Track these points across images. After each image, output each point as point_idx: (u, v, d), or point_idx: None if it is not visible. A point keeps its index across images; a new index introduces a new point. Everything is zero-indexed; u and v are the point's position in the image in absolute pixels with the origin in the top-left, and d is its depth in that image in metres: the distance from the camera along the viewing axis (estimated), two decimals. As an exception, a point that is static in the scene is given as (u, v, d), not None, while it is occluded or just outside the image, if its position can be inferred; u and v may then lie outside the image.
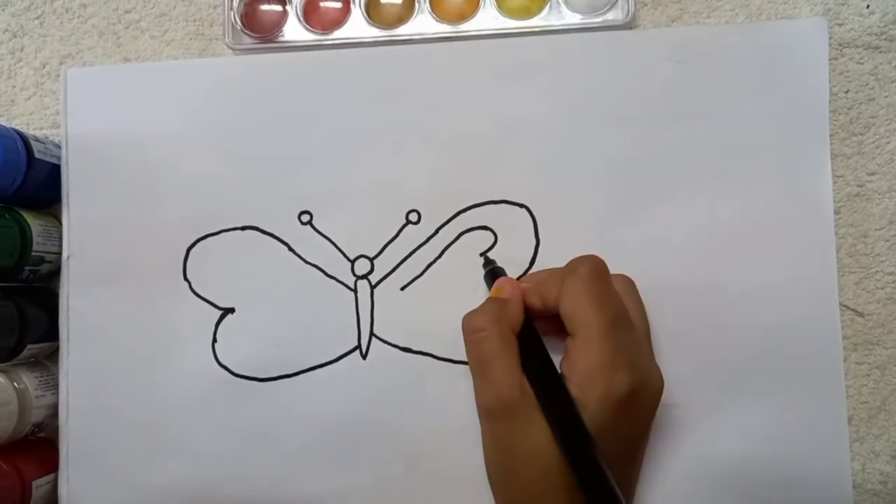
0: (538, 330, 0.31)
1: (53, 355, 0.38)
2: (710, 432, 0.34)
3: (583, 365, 0.28)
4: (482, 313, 0.31)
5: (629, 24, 0.36)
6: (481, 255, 0.36)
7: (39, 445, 0.37)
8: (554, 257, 0.36)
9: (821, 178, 0.35)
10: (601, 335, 0.28)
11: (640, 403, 0.29)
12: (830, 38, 0.36)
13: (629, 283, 0.33)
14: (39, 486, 0.36)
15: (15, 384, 0.35)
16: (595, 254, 0.31)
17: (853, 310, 0.35)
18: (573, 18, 0.37)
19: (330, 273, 0.37)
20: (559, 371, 0.29)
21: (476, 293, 0.35)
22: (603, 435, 0.27)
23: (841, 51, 0.36)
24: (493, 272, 0.34)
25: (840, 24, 0.36)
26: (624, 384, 0.27)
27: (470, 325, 0.31)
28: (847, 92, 0.36)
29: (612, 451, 0.27)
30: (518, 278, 0.35)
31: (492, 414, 0.29)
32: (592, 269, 0.30)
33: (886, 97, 0.36)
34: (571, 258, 0.31)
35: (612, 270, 0.35)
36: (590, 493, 0.26)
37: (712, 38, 0.36)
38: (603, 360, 0.28)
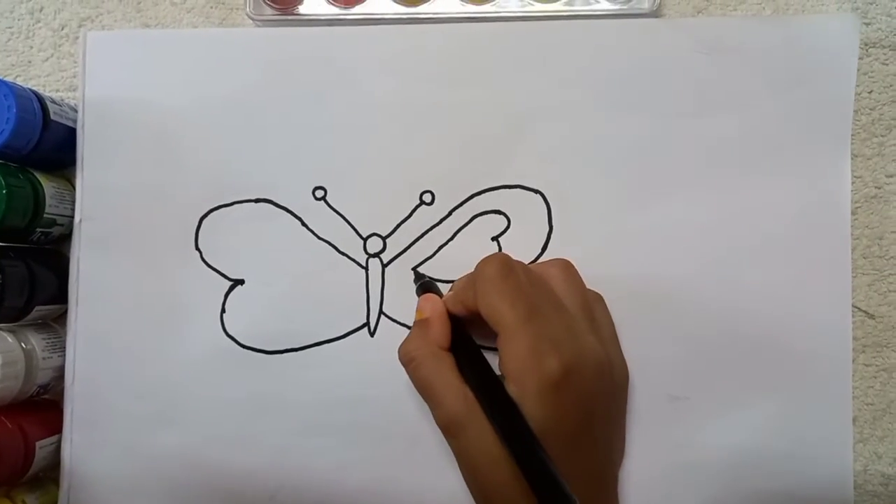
0: (476, 334, 0.31)
1: (61, 318, 0.38)
2: (715, 426, 0.35)
3: (511, 360, 0.28)
4: (409, 341, 0.31)
5: (655, 13, 0.36)
6: (493, 238, 0.36)
7: (44, 407, 0.37)
8: (566, 245, 0.36)
9: (840, 178, 0.35)
10: (519, 327, 0.28)
11: (581, 382, 0.28)
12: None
13: (566, 266, 0.33)
14: (43, 446, 0.36)
15: (23, 344, 0.35)
16: (502, 253, 0.32)
17: (864, 311, 0.35)
18: (599, 5, 0.36)
19: (342, 250, 0.37)
20: (498, 373, 0.29)
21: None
22: (549, 423, 0.27)
23: (867, 50, 0.36)
24: (422, 286, 0.34)
25: (867, 24, 0.36)
26: (554, 368, 0.27)
27: (401, 355, 0.31)
28: (871, 92, 0.36)
29: (566, 436, 0.27)
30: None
31: (447, 432, 0.29)
32: (498, 267, 0.30)
33: (910, 99, 0.35)
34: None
35: (624, 262, 0.35)
36: (538, 494, 0.25)
37: (739, 30, 0.35)
38: (527, 350, 0.28)
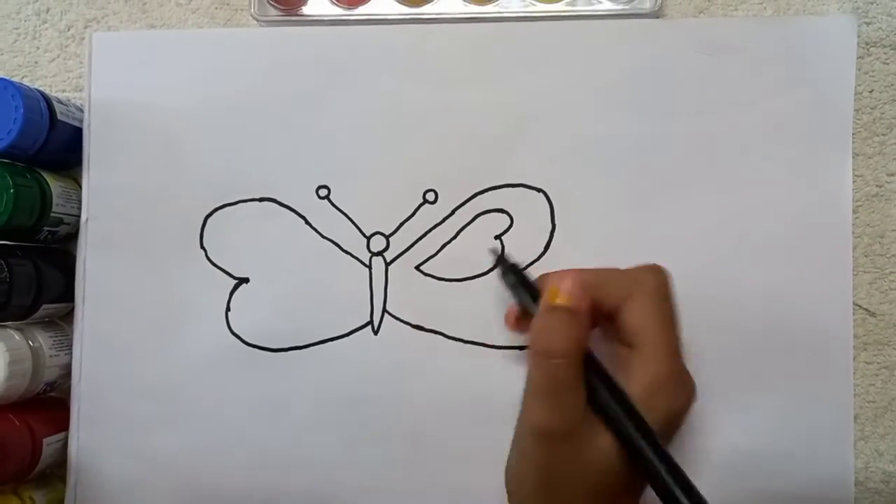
0: None
1: (68, 316, 0.38)
2: (717, 424, 0.35)
3: (647, 381, 0.27)
4: (558, 333, 0.27)
5: (657, 13, 0.36)
6: (496, 237, 0.36)
7: (51, 404, 0.38)
8: (569, 244, 0.36)
9: (841, 177, 0.35)
10: (669, 353, 0.27)
11: (683, 420, 0.28)
12: (857, 37, 0.36)
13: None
14: (50, 443, 0.36)
15: (30, 342, 0.36)
16: (657, 263, 0.30)
17: (865, 309, 0.35)
18: (601, 5, 0.36)
19: (345, 248, 0.37)
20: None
21: (490, 275, 0.36)
22: None
23: (867, 50, 0.36)
24: (512, 267, 0.32)
25: (868, 23, 0.36)
26: (686, 400, 0.27)
27: (545, 346, 0.27)
28: (871, 91, 0.36)
29: None
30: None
31: (549, 437, 0.27)
32: (664, 283, 0.29)
33: (911, 98, 0.36)
34: (638, 265, 0.30)
35: (626, 260, 0.35)
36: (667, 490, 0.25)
37: (740, 30, 0.36)
38: (669, 377, 0.27)
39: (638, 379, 0.27)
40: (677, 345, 0.28)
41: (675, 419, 0.27)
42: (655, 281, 0.29)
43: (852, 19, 0.35)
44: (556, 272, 0.31)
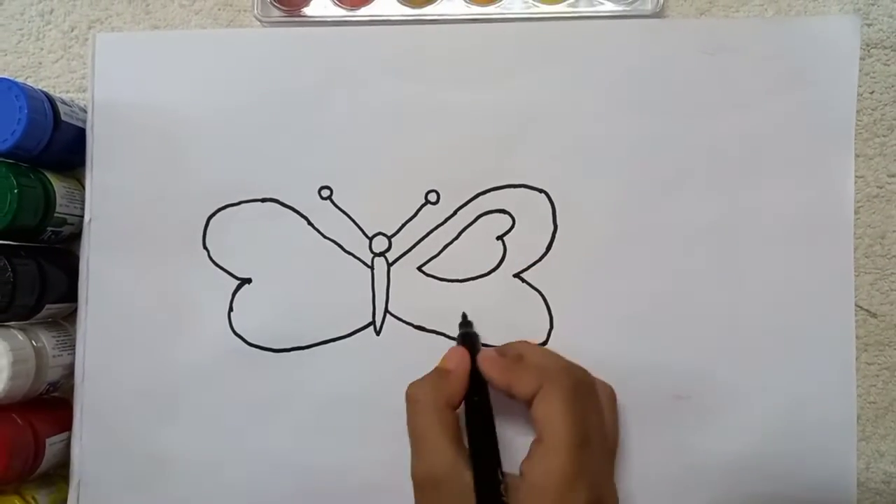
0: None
1: (71, 316, 0.39)
2: (718, 425, 0.35)
3: (542, 472, 0.28)
4: (422, 384, 0.31)
5: (658, 15, 0.36)
6: (498, 238, 0.37)
7: (54, 404, 0.38)
8: (570, 244, 0.36)
9: (843, 178, 0.35)
10: (569, 450, 0.28)
11: None
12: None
13: (611, 397, 0.33)
14: (53, 443, 0.36)
15: (33, 342, 0.36)
16: (576, 363, 0.31)
17: (866, 310, 0.35)
18: (603, 6, 0.37)
19: (348, 249, 0.37)
20: (518, 468, 0.29)
21: (491, 276, 0.36)
22: None
23: (868, 51, 0.36)
24: (463, 337, 0.34)
25: (869, 25, 0.36)
26: (576, 500, 0.27)
27: (409, 393, 0.31)
28: (872, 93, 0.36)
29: None
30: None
31: (419, 485, 0.29)
32: (576, 383, 0.30)
33: (912, 100, 0.36)
34: (553, 357, 0.32)
35: (628, 259, 0.35)
36: None
37: (742, 31, 0.36)
38: (564, 475, 0.27)
39: (535, 467, 0.28)
40: (584, 447, 0.28)
41: None
42: (573, 380, 0.30)
43: (855, 20, 0.35)
44: (488, 350, 0.33)
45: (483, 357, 0.32)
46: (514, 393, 0.30)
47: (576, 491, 0.27)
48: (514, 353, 0.32)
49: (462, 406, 0.31)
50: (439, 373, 0.32)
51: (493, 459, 0.28)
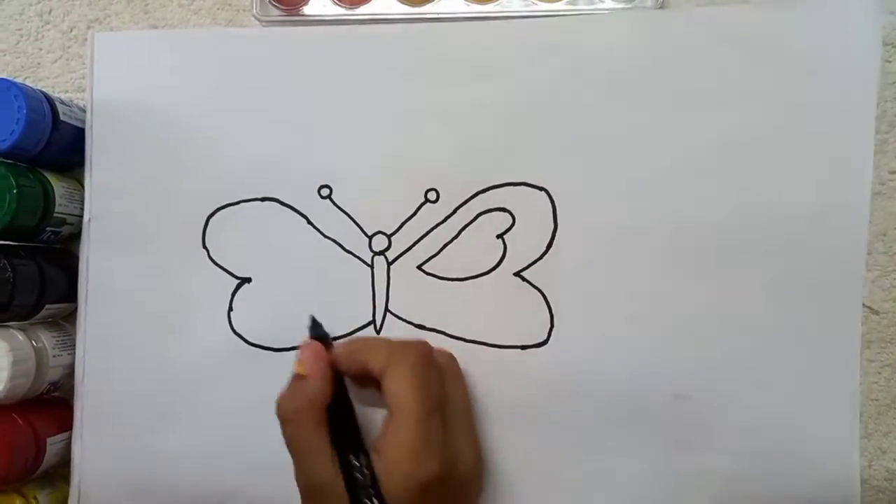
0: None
1: (71, 316, 0.39)
2: (719, 423, 0.35)
3: (393, 446, 0.28)
4: (286, 398, 0.30)
5: (661, 4, 0.36)
6: (498, 236, 0.36)
7: (54, 404, 0.38)
8: (571, 242, 0.36)
9: (861, 172, 0.34)
10: (416, 422, 0.28)
11: (449, 486, 0.29)
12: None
13: (452, 360, 0.34)
14: (53, 443, 0.36)
15: (33, 342, 0.36)
16: (426, 343, 0.32)
17: (868, 307, 0.35)
18: (603, 3, 0.36)
19: (347, 248, 0.37)
20: (368, 444, 0.29)
21: (492, 274, 0.36)
22: None
23: (870, 47, 0.36)
24: (314, 338, 0.33)
25: (870, 21, 0.36)
26: (430, 471, 0.28)
27: (277, 412, 0.30)
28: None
29: None
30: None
31: (303, 494, 0.30)
32: (420, 357, 0.30)
33: (914, 96, 0.35)
34: (394, 340, 0.32)
35: (630, 256, 0.35)
36: None
37: (748, 20, 0.34)
38: (413, 446, 0.28)
39: (388, 443, 0.29)
40: (431, 417, 0.29)
41: (422, 488, 0.28)
42: (416, 354, 0.30)
43: (878, 2, 0.33)
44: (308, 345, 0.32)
45: (338, 354, 0.32)
46: (369, 370, 0.30)
47: (426, 461, 0.28)
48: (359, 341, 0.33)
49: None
50: (299, 380, 0.31)
51: (355, 458, 0.29)
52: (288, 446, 0.30)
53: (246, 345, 0.37)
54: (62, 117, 0.36)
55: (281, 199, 0.37)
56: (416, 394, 0.29)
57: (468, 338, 0.36)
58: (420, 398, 0.29)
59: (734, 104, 0.35)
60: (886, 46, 0.35)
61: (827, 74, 0.34)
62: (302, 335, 0.36)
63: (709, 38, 0.35)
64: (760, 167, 0.35)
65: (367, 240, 0.37)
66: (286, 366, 0.36)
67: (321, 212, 0.37)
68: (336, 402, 0.31)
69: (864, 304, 0.35)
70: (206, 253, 0.38)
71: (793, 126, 0.34)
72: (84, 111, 0.38)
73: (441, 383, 0.31)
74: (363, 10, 0.38)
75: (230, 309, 0.37)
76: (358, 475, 0.28)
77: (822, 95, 0.34)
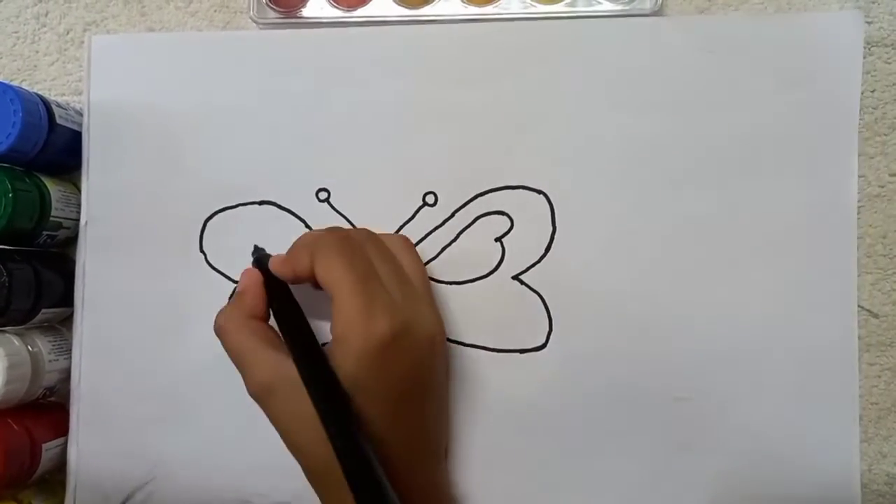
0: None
1: (67, 321, 0.38)
2: (719, 426, 0.34)
3: (340, 321, 0.28)
4: (221, 312, 0.32)
5: (657, 13, 0.36)
6: (496, 239, 0.36)
7: (51, 409, 0.38)
8: (570, 246, 0.36)
9: (846, 177, 0.35)
10: (353, 289, 0.28)
11: (410, 348, 0.29)
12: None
13: (407, 241, 0.34)
14: (49, 448, 0.36)
15: (29, 347, 0.35)
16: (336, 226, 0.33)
17: (868, 310, 0.35)
18: (601, 6, 0.36)
19: (345, 251, 0.37)
20: (325, 339, 0.30)
21: (490, 277, 0.36)
22: (370, 385, 0.28)
23: (869, 49, 0.36)
24: (254, 261, 0.34)
25: (869, 23, 0.36)
26: (382, 329, 0.28)
27: (214, 326, 0.32)
28: (874, 91, 0.36)
29: (388, 399, 0.28)
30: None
31: (257, 398, 0.30)
32: (336, 238, 0.30)
33: (913, 98, 0.35)
34: (321, 230, 0.32)
35: (628, 262, 0.35)
36: (348, 474, 0.26)
37: (743, 28, 0.35)
38: (357, 311, 0.28)
39: (335, 322, 0.29)
40: (366, 282, 0.29)
41: (376, 350, 0.28)
42: (333, 237, 0.30)
43: (858, 15, 0.35)
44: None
45: (271, 262, 0.32)
46: (299, 274, 0.30)
47: (372, 319, 0.28)
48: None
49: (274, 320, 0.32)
50: (237, 296, 0.32)
51: (309, 346, 0.29)
52: (231, 358, 0.31)
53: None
54: (58, 120, 0.36)
55: (279, 202, 0.37)
56: (344, 267, 0.29)
57: (467, 342, 0.36)
58: (348, 269, 0.29)
59: (727, 109, 0.35)
60: (887, 48, 0.36)
61: (814, 81, 0.35)
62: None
63: (703, 45, 0.35)
64: (754, 170, 0.35)
65: (365, 243, 0.37)
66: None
67: (319, 215, 0.37)
68: (285, 310, 0.31)
69: (863, 308, 0.35)
70: (203, 257, 0.37)
71: (784, 131, 0.35)
72: (80, 114, 0.38)
73: (365, 255, 0.31)
74: (360, 13, 0.38)
75: (227, 313, 0.37)
76: (311, 361, 0.28)
77: (809, 101, 0.35)
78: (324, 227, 0.37)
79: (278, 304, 0.31)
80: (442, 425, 0.34)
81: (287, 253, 0.32)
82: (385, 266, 0.31)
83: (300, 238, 0.32)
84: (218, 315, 0.32)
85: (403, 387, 0.29)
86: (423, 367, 0.30)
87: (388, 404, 0.29)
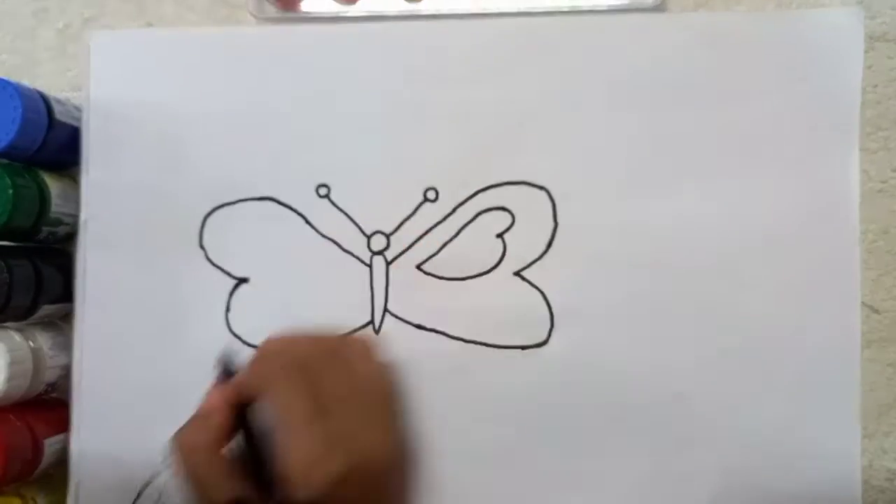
0: None
1: (68, 317, 0.38)
2: (719, 423, 0.35)
3: (295, 460, 0.26)
4: (182, 431, 0.29)
5: (659, 9, 0.36)
6: (498, 235, 0.36)
7: (52, 405, 0.38)
8: (571, 242, 0.36)
9: (847, 172, 0.34)
10: (307, 428, 0.26)
11: (370, 478, 0.27)
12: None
13: (366, 345, 0.30)
14: (51, 444, 0.36)
15: (30, 343, 0.35)
16: (283, 334, 0.29)
17: (869, 306, 0.35)
18: (602, 1, 0.36)
19: (345, 248, 0.37)
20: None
21: (491, 274, 0.36)
22: None
23: (871, 44, 0.35)
24: (222, 372, 0.31)
25: (871, 18, 0.36)
26: (338, 468, 0.26)
27: (174, 444, 0.29)
28: (875, 86, 0.35)
29: None
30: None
31: None
32: (284, 367, 0.28)
33: (915, 93, 0.35)
34: (274, 344, 0.29)
35: (630, 256, 0.35)
36: None
37: (744, 24, 0.35)
38: (312, 453, 0.26)
39: (284, 462, 0.27)
40: (315, 420, 0.27)
41: (330, 488, 0.26)
42: (280, 363, 0.28)
43: (858, 12, 0.35)
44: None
45: (213, 394, 0.29)
46: (253, 398, 0.28)
47: (329, 460, 0.26)
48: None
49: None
50: (200, 417, 0.29)
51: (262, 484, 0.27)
52: (185, 478, 0.28)
53: (244, 345, 0.37)
54: (58, 116, 0.36)
55: (279, 198, 0.37)
56: (291, 405, 0.27)
57: (468, 338, 0.36)
58: (295, 408, 0.27)
59: (729, 105, 0.35)
60: (888, 43, 0.35)
61: (816, 77, 0.35)
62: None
63: (705, 41, 0.35)
64: (755, 166, 0.35)
65: (365, 239, 0.37)
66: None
67: (319, 211, 0.37)
68: (247, 438, 0.29)
69: (865, 304, 0.35)
70: (203, 253, 0.37)
71: (785, 127, 0.35)
72: (79, 110, 0.38)
73: (342, 375, 0.28)
74: (360, 7, 0.37)
75: (227, 309, 0.37)
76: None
77: (811, 97, 0.35)
78: (326, 223, 0.37)
79: (240, 435, 0.29)
80: None
81: (243, 373, 0.29)
82: (339, 388, 0.28)
83: (249, 362, 0.30)
84: (177, 434, 0.29)
85: None
86: (378, 492, 0.28)
87: None
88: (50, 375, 0.36)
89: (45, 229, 0.36)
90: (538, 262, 0.36)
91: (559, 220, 0.36)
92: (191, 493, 0.28)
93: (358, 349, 0.30)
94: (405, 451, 0.30)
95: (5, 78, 0.34)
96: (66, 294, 0.38)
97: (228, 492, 0.27)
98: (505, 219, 0.36)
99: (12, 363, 0.34)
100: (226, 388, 0.30)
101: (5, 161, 0.35)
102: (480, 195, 0.36)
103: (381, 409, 0.29)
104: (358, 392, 0.29)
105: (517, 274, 0.36)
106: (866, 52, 0.35)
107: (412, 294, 0.36)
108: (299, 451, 0.27)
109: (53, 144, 0.36)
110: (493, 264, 0.36)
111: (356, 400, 0.29)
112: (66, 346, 0.37)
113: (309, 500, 0.26)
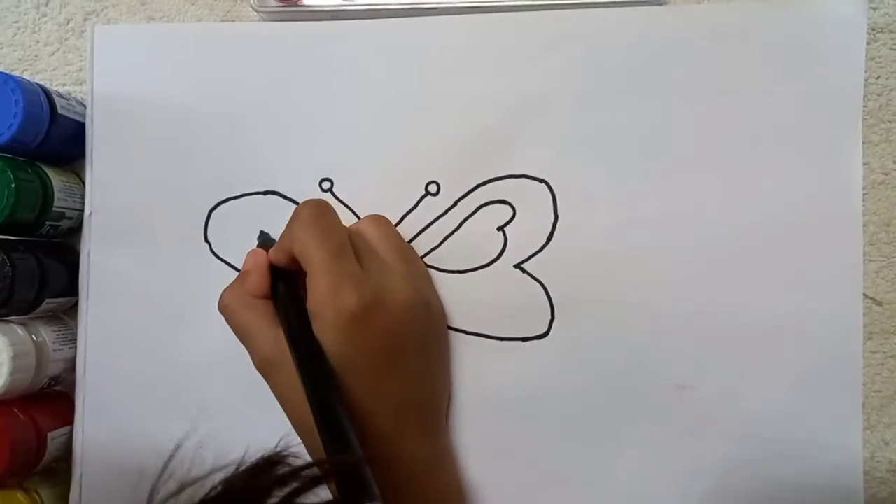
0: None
1: (71, 310, 0.38)
2: (721, 414, 0.35)
3: (313, 296, 0.29)
4: (226, 291, 0.33)
5: (660, 1, 0.36)
6: (499, 228, 0.36)
7: (56, 398, 0.38)
8: (572, 234, 0.36)
9: (851, 163, 0.34)
10: (324, 266, 0.29)
11: (384, 316, 0.30)
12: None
13: (379, 219, 0.35)
14: (55, 437, 0.36)
15: (34, 337, 0.36)
16: (319, 199, 0.33)
17: (871, 298, 0.35)
18: (604, -7, 0.36)
19: (348, 241, 0.37)
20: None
21: (492, 266, 0.36)
22: (347, 356, 0.29)
23: (874, 35, 0.35)
24: (261, 242, 0.36)
25: (874, 8, 0.35)
26: (351, 302, 0.29)
27: (219, 304, 0.33)
28: (878, 78, 0.35)
29: (368, 368, 0.29)
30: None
31: (262, 373, 0.31)
32: (312, 209, 0.31)
33: (918, 85, 0.35)
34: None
35: (630, 248, 0.35)
36: (324, 440, 0.27)
37: (746, 16, 0.35)
38: (328, 286, 0.29)
39: (311, 299, 0.30)
40: (338, 257, 0.30)
41: (348, 321, 0.29)
42: (306, 210, 0.31)
43: (862, 2, 0.34)
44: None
45: (270, 252, 0.33)
46: (290, 255, 0.31)
47: (344, 293, 0.29)
48: None
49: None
50: (241, 275, 0.33)
51: (302, 327, 0.30)
52: (236, 335, 0.32)
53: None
54: (60, 110, 0.36)
55: (283, 192, 0.37)
56: (315, 245, 0.30)
57: (469, 330, 0.36)
58: (319, 245, 0.30)
59: (730, 97, 0.35)
60: (892, 34, 0.35)
61: (818, 68, 0.34)
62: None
63: (706, 33, 0.35)
64: (757, 159, 0.35)
65: (367, 233, 0.37)
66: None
67: (322, 205, 0.37)
68: (285, 292, 0.32)
69: (867, 295, 0.35)
70: (208, 247, 0.38)
71: (788, 119, 0.35)
72: (82, 104, 0.38)
73: (339, 229, 0.31)
74: (362, 1, 0.37)
75: (231, 302, 0.37)
76: (303, 343, 0.29)
77: (813, 89, 0.34)
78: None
79: (279, 286, 0.32)
80: (433, 394, 0.34)
81: (279, 240, 0.33)
82: (360, 242, 0.32)
83: (291, 215, 0.33)
84: (223, 293, 0.33)
85: (381, 356, 0.30)
86: (399, 335, 0.31)
87: (370, 376, 0.30)
88: (54, 369, 0.37)
89: (48, 223, 0.36)
90: (539, 255, 0.36)
91: (560, 212, 0.36)
92: (245, 346, 0.32)
93: (369, 218, 0.35)
94: (433, 303, 0.34)
95: (7, 72, 0.34)
96: (69, 288, 0.38)
97: (271, 338, 0.30)
98: (506, 212, 0.36)
99: (16, 357, 0.34)
100: (262, 251, 0.34)
101: (7, 155, 0.35)
102: (481, 188, 0.36)
103: (393, 262, 0.33)
104: (373, 251, 0.33)
105: (518, 266, 0.36)
106: (869, 43, 0.35)
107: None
108: (316, 289, 0.29)
109: (56, 138, 0.36)
110: (493, 257, 0.36)
111: (371, 255, 0.32)
112: (70, 339, 0.38)
113: (325, 334, 0.29)
